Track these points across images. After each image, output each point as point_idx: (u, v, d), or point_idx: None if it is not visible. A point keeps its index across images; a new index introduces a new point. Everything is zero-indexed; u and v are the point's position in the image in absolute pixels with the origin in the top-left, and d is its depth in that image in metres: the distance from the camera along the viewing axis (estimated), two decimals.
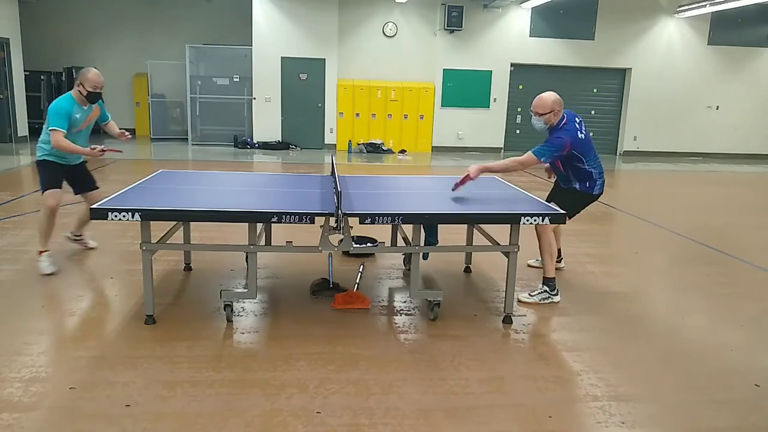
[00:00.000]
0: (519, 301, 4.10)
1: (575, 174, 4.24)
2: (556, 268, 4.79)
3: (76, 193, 4.77)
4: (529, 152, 4.01)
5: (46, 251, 4.44)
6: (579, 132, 4.09)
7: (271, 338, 3.44)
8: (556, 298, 4.15)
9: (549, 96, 4.09)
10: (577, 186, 4.26)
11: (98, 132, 14.50)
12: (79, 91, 4.37)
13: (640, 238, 6.22)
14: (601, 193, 4.31)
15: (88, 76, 4.34)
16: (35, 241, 5.20)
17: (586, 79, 14.33)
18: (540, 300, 4.12)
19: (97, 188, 4.79)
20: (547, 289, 4.14)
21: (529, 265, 4.91)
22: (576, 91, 14.41)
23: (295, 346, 3.33)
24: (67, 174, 4.59)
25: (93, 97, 4.42)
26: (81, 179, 4.74)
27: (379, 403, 2.77)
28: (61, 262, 4.70)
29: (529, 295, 4.14)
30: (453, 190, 4.04)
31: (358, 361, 3.18)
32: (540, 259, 4.75)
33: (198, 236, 5.05)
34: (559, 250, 4.85)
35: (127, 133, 4.87)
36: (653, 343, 3.58)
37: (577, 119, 4.18)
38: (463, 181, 4.03)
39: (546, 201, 4.28)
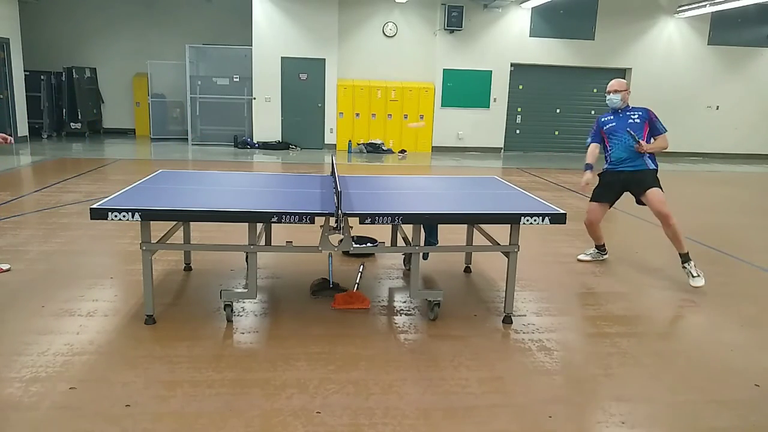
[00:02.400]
0: (695, 287, 4.51)
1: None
2: (602, 259, 5.28)
3: None
4: (661, 135, 4.79)
5: None
6: None
7: (271, 338, 3.44)
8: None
9: (621, 80, 4.98)
10: (652, 164, 4.79)
11: (98, 132, 14.57)
12: None
13: (640, 238, 6.22)
14: None
15: None
16: (35, 241, 5.21)
17: (586, 79, 14.33)
18: (698, 272, 4.57)
19: None
20: (691, 261, 4.63)
21: (579, 260, 5.22)
22: (576, 91, 14.42)
23: (295, 346, 3.33)
24: None
25: None
26: None
27: (379, 403, 2.77)
28: (61, 262, 4.71)
29: (695, 276, 4.55)
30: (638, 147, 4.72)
31: (358, 361, 3.18)
32: (588, 252, 5.29)
33: (198, 236, 5.05)
34: (604, 245, 5.24)
35: (9, 138, 4.52)
36: (653, 343, 3.58)
37: None
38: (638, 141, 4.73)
39: (626, 192, 4.94)
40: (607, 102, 4.92)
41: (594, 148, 4.99)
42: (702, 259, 5.52)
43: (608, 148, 4.92)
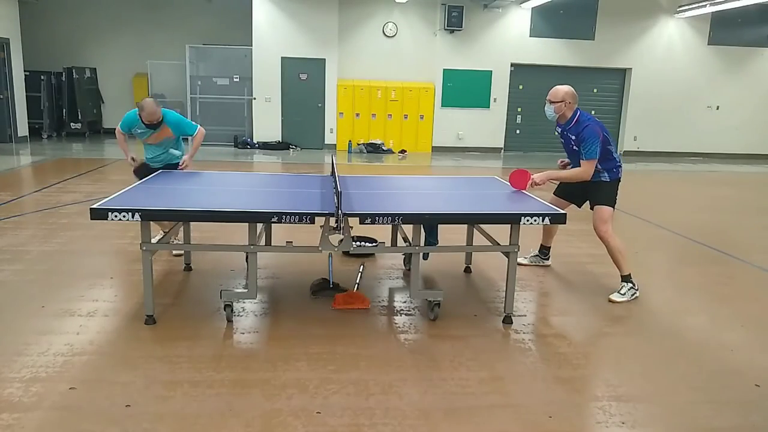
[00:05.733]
0: (611, 301, 4.20)
1: (604, 163, 4.27)
2: (544, 265, 5.02)
3: None
4: (584, 161, 4.17)
5: None
6: (595, 120, 4.27)
7: (271, 338, 3.44)
8: (638, 292, 4.29)
9: (562, 87, 4.33)
10: (607, 176, 4.30)
11: (98, 132, 14.66)
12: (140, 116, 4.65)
13: (640, 238, 6.22)
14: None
15: (144, 110, 4.60)
16: (35, 241, 5.21)
17: (586, 79, 14.31)
18: (631, 297, 4.24)
19: None
20: (632, 285, 4.26)
21: (518, 264, 4.81)
22: (576, 91, 14.38)
23: (295, 346, 3.33)
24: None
25: (150, 127, 4.69)
26: None
27: (379, 403, 2.77)
28: (61, 262, 4.70)
29: (620, 294, 4.24)
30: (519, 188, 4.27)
31: (358, 361, 3.18)
32: (527, 257, 5.03)
33: (198, 236, 5.05)
34: (549, 248, 5.01)
35: (185, 165, 4.89)
36: (653, 343, 3.58)
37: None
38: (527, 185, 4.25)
39: (564, 202, 4.53)
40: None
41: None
42: (702, 259, 5.53)
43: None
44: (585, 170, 4.20)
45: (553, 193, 4.68)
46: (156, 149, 4.86)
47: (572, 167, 4.45)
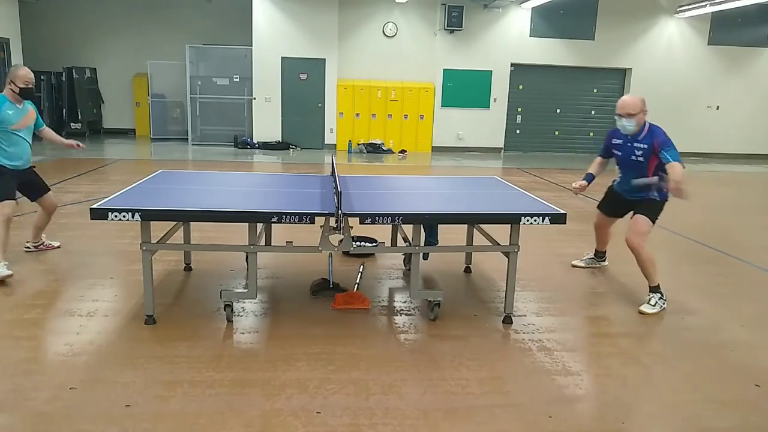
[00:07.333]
0: (641, 312, 4.02)
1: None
2: (599, 267, 5.03)
3: (33, 200, 4.79)
4: (675, 164, 3.94)
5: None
6: None
7: (271, 338, 3.44)
8: (666, 303, 4.17)
9: (635, 98, 4.09)
10: (657, 195, 4.19)
11: (98, 132, 14.61)
12: (11, 89, 4.40)
13: None
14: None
15: (18, 73, 4.38)
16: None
17: (586, 79, 14.33)
18: (660, 308, 4.09)
19: (50, 190, 4.88)
20: (660, 295, 4.14)
21: (573, 265, 5.05)
22: (576, 91, 14.42)
23: (295, 346, 3.33)
24: (20, 181, 4.56)
25: (25, 93, 4.43)
26: (33, 185, 4.75)
27: (379, 403, 2.77)
28: (61, 262, 4.70)
29: (649, 305, 4.07)
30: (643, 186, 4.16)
31: (358, 361, 3.18)
32: (583, 259, 5.07)
33: (198, 236, 5.05)
34: (605, 252, 5.02)
35: (77, 143, 4.87)
36: (653, 344, 3.58)
37: None
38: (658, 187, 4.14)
39: (610, 219, 4.66)
40: (618, 126, 4.20)
41: (600, 162, 4.58)
42: (702, 259, 5.53)
43: (617, 167, 4.44)
44: (682, 171, 3.95)
45: (598, 207, 4.77)
46: (23, 140, 4.50)
47: (621, 180, 4.39)
